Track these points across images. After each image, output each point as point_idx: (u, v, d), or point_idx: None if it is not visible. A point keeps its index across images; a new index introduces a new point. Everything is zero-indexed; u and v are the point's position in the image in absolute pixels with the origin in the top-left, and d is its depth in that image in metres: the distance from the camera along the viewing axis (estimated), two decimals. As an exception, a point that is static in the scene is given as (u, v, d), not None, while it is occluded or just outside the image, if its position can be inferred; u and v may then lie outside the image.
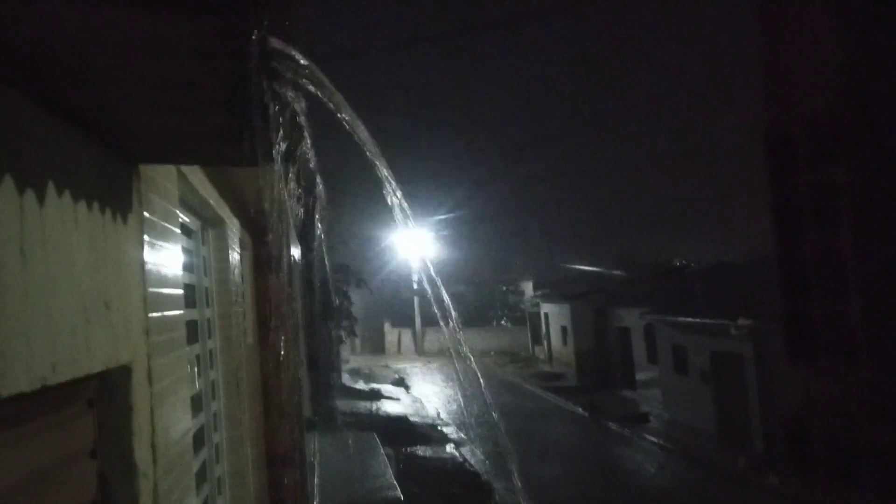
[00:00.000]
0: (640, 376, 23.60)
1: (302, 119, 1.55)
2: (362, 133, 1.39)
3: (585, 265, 34.54)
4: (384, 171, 1.53)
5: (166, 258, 2.22)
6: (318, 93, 1.24)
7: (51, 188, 1.29)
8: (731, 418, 16.92)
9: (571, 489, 14.50)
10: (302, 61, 1.16)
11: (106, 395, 1.66)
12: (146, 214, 1.97)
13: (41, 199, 1.25)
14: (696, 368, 18.68)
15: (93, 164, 1.58)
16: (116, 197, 1.72)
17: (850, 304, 2.28)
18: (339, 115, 1.33)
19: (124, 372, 1.70)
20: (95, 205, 1.54)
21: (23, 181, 1.17)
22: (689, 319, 18.30)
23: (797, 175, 2.45)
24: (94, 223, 1.53)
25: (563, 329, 30.94)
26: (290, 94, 1.34)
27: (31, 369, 1.17)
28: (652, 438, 18.60)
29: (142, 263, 1.92)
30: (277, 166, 1.49)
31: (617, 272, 28.75)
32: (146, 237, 1.96)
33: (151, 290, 1.99)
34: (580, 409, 22.77)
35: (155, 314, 2.02)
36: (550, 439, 19.17)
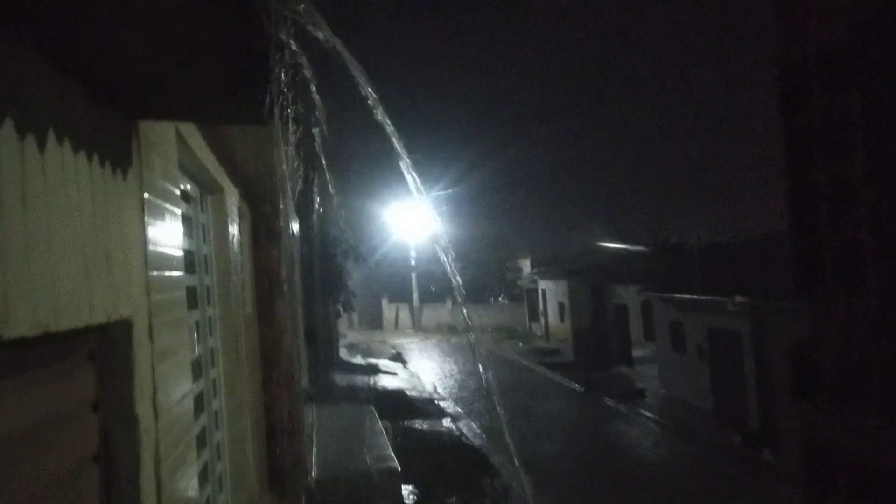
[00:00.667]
0: (636, 353, 23.74)
1: (303, 74, 1.54)
2: (362, 78, 1.38)
3: (583, 242, 34.54)
4: (390, 129, 1.51)
5: (166, 219, 2.21)
6: (319, 34, 1.23)
7: (51, 137, 1.29)
8: (727, 395, 17.05)
9: (567, 463, 14.64)
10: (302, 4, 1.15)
11: (107, 350, 1.67)
12: (146, 173, 1.97)
13: (42, 147, 1.24)
14: (693, 345, 18.78)
15: (92, 117, 1.57)
16: (116, 153, 1.71)
17: (862, 231, 2.29)
18: (343, 65, 1.32)
19: (125, 327, 1.70)
20: (95, 158, 1.53)
21: (23, 127, 1.16)
22: (687, 296, 18.37)
23: (810, 103, 2.44)
24: (95, 176, 1.53)
25: (561, 306, 31.05)
26: (293, 45, 1.33)
27: (33, 315, 1.17)
28: (648, 414, 18.75)
29: (142, 221, 1.92)
30: (278, 125, 1.48)
31: (614, 247, 28.74)
32: (146, 195, 1.95)
33: (152, 248, 1.99)
34: (576, 385, 22.92)
35: (155, 273, 2.02)
36: (546, 415, 19.32)
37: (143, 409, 1.79)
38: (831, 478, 2.51)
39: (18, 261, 1.12)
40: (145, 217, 1.94)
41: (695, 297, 17.98)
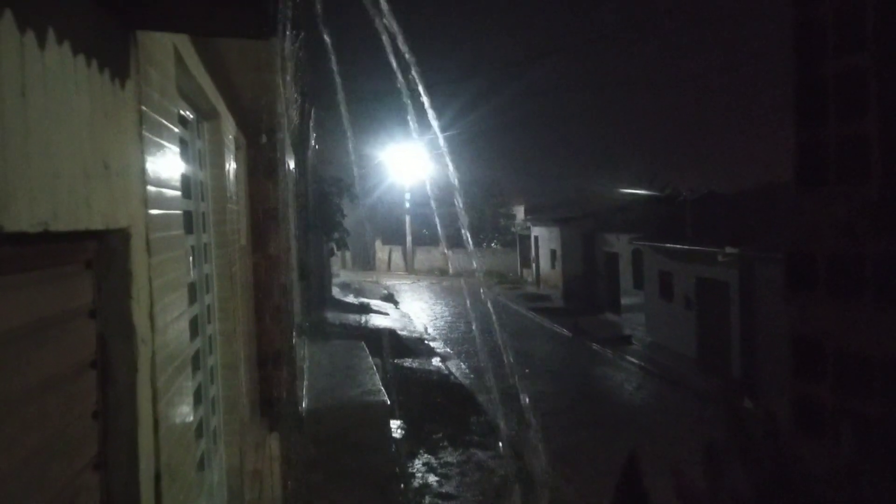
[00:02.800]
0: (625, 301, 23.98)
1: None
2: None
3: (577, 190, 34.47)
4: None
5: (163, 136, 2.21)
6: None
7: (51, 35, 1.27)
8: (711, 344, 17.33)
9: (551, 404, 14.93)
10: None
11: (105, 258, 1.68)
12: (143, 86, 1.95)
13: (42, 44, 1.23)
14: (681, 294, 18.98)
15: (91, 22, 1.55)
16: (114, 61, 1.70)
17: (867, 124, 2.31)
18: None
19: (123, 236, 1.71)
20: (94, 63, 1.52)
21: (23, 21, 1.15)
22: (678, 246, 18.48)
23: None
24: (93, 81, 1.52)
25: (553, 252, 31.20)
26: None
27: (33, 211, 1.18)
28: (633, 360, 19.06)
29: (139, 135, 1.92)
30: (279, 51, 1.46)
31: (608, 195, 28.73)
32: (143, 108, 1.94)
33: (150, 163, 1.99)
34: (565, 331, 23.21)
35: (153, 189, 2.02)
36: (534, 357, 19.60)
37: (140, 320, 1.81)
38: (819, 369, 2.58)
39: (18, 152, 1.12)
40: (143, 131, 1.93)
41: (685, 247, 18.09)
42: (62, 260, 1.51)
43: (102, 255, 1.67)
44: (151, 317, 1.95)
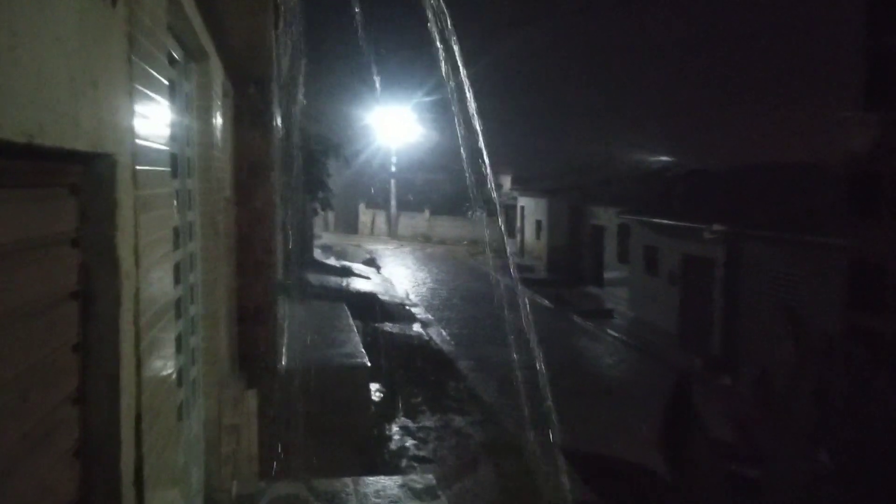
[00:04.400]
0: (609, 275, 24.07)
1: None
2: None
3: (565, 162, 34.35)
4: None
5: (153, 64, 2.11)
6: None
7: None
8: (693, 321, 17.46)
9: (529, 372, 15.00)
10: None
11: (90, 184, 1.60)
12: (134, 7, 1.85)
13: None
14: (666, 270, 19.06)
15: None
16: (104, -23, 1.60)
17: None
18: None
19: (109, 162, 1.63)
20: (83, -26, 1.42)
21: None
22: (665, 222, 18.51)
23: None
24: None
25: (538, 223, 31.19)
26: None
27: (18, 119, 1.10)
28: (614, 333, 19.19)
29: (128, 59, 1.82)
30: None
31: (596, 167, 28.69)
32: (133, 31, 1.84)
33: (138, 90, 1.90)
34: (547, 302, 23.29)
35: (140, 119, 1.93)
36: (514, 327, 19.66)
37: (124, 253, 1.73)
38: (879, 298, 2.54)
39: (4, 57, 1.04)
40: (132, 56, 1.84)
41: (672, 222, 18.12)
42: (46, 181, 1.43)
43: (88, 179, 1.59)
44: (136, 251, 1.87)
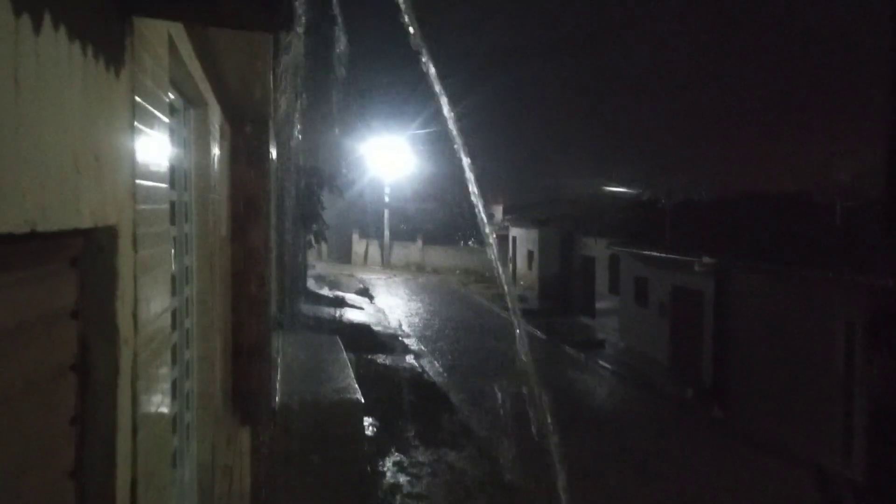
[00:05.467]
0: (600, 305, 24.07)
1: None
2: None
3: (556, 193, 34.52)
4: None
5: (155, 126, 2.11)
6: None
7: (47, 20, 1.19)
8: (684, 352, 17.45)
9: (523, 406, 14.91)
10: None
11: (91, 255, 1.59)
12: (138, 75, 1.86)
13: (37, 28, 1.14)
14: (656, 301, 19.09)
15: (86, 5, 1.46)
16: (110, 49, 1.60)
17: None
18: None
19: (111, 233, 1.62)
20: (90, 50, 1.43)
21: (19, 3, 1.06)
22: (655, 254, 18.57)
23: None
24: (88, 70, 1.42)
25: (530, 253, 31.25)
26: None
27: (22, 210, 1.09)
28: (605, 364, 19.14)
29: (132, 126, 1.82)
30: (300, 32, 1.37)
31: (587, 199, 28.82)
32: (137, 98, 1.85)
33: (140, 156, 1.90)
34: (538, 332, 23.23)
35: (142, 182, 1.93)
36: (507, 358, 19.59)
37: (123, 321, 1.72)
38: None
39: (9, 147, 1.04)
40: (135, 121, 1.84)
41: (662, 254, 18.18)
42: (46, 258, 1.42)
43: (88, 252, 1.58)
44: (135, 316, 1.86)
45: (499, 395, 15.02)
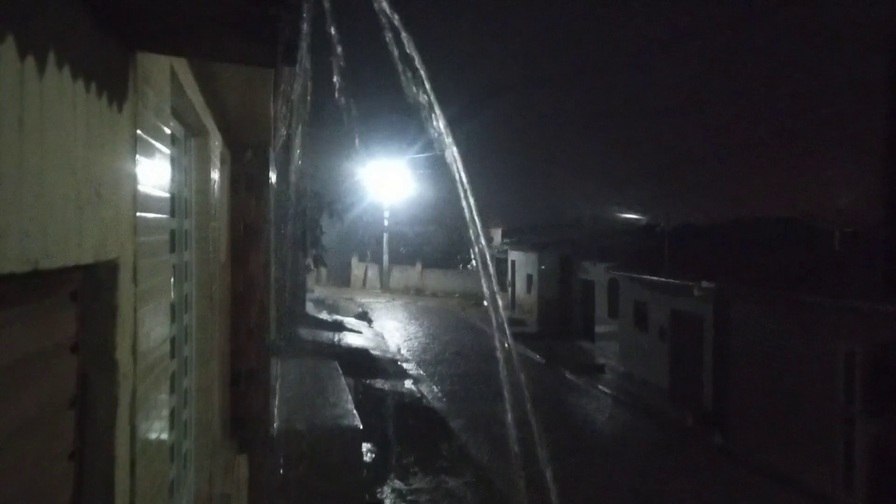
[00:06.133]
0: (599, 329, 24.01)
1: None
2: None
3: (556, 217, 34.64)
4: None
5: (156, 158, 2.12)
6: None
7: (51, 60, 1.20)
8: (684, 376, 17.37)
9: (522, 431, 14.81)
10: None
11: (91, 290, 1.59)
12: (140, 108, 1.87)
13: (41, 70, 1.15)
14: (656, 325, 19.04)
15: (92, 43, 1.48)
16: (112, 83, 1.62)
17: None
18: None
19: (111, 267, 1.63)
20: (93, 87, 1.44)
21: (24, 46, 1.08)
22: (654, 278, 18.57)
23: None
24: (91, 106, 1.44)
25: (529, 277, 31.23)
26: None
27: (24, 250, 1.10)
28: (605, 389, 19.04)
29: (133, 158, 1.83)
30: (302, 68, 1.39)
31: (586, 223, 28.89)
32: (139, 131, 1.86)
33: (141, 188, 1.91)
34: (538, 357, 23.14)
35: (143, 214, 1.94)
36: (507, 383, 19.47)
37: (122, 355, 1.72)
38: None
39: (13, 189, 1.04)
40: (137, 154, 1.85)
41: (661, 279, 18.18)
42: (46, 294, 1.42)
43: (89, 286, 1.58)
44: (134, 349, 1.85)
45: (497, 420, 14.92)
